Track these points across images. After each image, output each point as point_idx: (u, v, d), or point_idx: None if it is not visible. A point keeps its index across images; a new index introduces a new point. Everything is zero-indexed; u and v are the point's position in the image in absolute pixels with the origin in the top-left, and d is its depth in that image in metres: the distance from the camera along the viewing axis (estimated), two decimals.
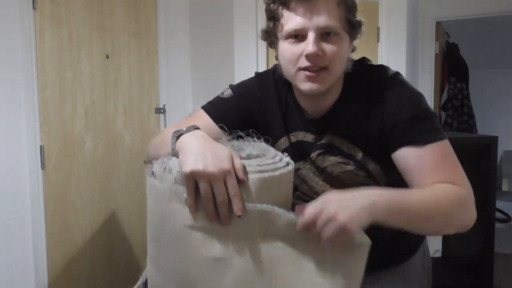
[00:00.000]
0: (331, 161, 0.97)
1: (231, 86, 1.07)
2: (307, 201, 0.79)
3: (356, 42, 0.94)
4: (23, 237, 1.97)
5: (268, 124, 1.02)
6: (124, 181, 2.44)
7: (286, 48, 0.88)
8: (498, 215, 4.00)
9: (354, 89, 0.95)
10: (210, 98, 1.08)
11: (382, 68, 0.96)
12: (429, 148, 0.86)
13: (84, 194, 2.21)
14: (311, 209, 0.72)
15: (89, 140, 2.23)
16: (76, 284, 2.20)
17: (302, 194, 1.03)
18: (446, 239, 2.86)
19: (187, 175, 0.71)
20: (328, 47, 0.85)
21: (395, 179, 0.93)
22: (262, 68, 2.56)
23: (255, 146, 0.83)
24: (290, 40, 0.87)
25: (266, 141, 0.87)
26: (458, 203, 0.85)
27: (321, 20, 0.83)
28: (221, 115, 1.00)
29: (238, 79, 1.11)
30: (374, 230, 1.00)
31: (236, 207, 0.71)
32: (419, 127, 0.88)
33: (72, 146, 2.15)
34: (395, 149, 0.89)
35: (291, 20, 0.86)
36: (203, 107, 1.04)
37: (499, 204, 3.87)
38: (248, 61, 2.58)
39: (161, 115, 2.65)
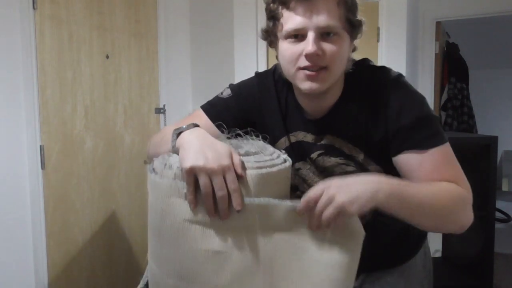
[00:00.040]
0: (331, 162, 0.97)
1: (231, 86, 1.07)
2: None
3: (356, 42, 0.93)
4: (23, 237, 1.97)
5: (268, 124, 1.02)
6: (124, 181, 2.44)
7: (286, 47, 0.88)
8: (498, 215, 4.00)
9: (355, 89, 0.94)
10: (210, 98, 1.08)
11: (385, 70, 0.95)
12: (431, 152, 0.87)
13: (84, 194, 2.21)
14: (311, 191, 0.74)
15: (89, 140, 2.23)
16: (76, 284, 2.20)
17: (302, 194, 1.03)
18: (446, 239, 2.86)
19: (188, 171, 0.72)
20: (328, 46, 0.85)
21: (394, 177, 0.94)
22: (262, 68, 2.56)
23: (253, 144, 0.85)
24: (290, 39, 0.87)
25: (264, 139, 0.88)
26: (458, 201, 0.86)
27: (321, 19, 0.83)
28: (219, 115, 1.01)
29: (238, 79, 1.11)
30: (375, 231, 1.01)
31: (236, 202, 0.72)
32: (422, 132, 0.88)
33: (72, 146, 2.15)
34: (397, 152, 0.89)
35: (290, 20, 0.86)
36: (202, 107, 1.05)
37: (499, 204, 3.86)
38: (248, 61, 2.58)
39: (161, 115, 2.65)
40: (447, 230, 0.92)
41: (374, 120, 0.91)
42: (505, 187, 5.29)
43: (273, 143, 1.00)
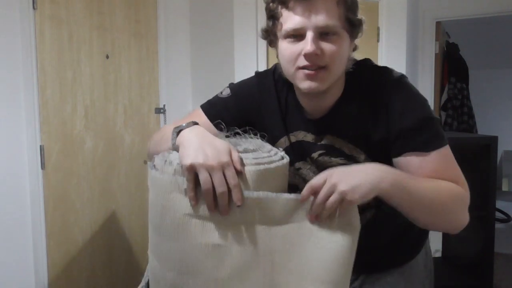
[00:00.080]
0: (332, 162, 0.97)
1: (230, 86, 1.07)
2: None
3: (357, 41, 0.93)
4: (23, 237, 1.97)
5: (267, 124, 1.02)
6: (124, 181, 2.44)
7: (285, 47, 0.88)
8: (498, 215, 4.00)
9: (355, 89, 0.94)
10: (210, 98, 1.08)
11: (387, 70, 0.95)
12: (432, 155, 0.88)
13: (84, 194, 2.21)
14: (314, 179, 0.75)
15: (89, 140, 2.23)
16: (76, 284, 2.20)
17: None
18: (446, 239, 2.86)
19: (188, 168, 0.74)
20: (327, 46, 0.85)
21: None
22: (262, 68, 2.56)
23: (251, 142, 0.87)
24: (289, 39, 0.87)
25: (262, 137, 0.90)
26: (458, 201, 0.87)
27: (320, 19, 0.83)
28: (218, 115, 1.02)
29: (238, 79, 1.11)
30: (376, 230, 1.00)
31: (236, 197, 0.74)
32: (424, 134, 0.88)
33: (72, 146, 2.15)
34: (398, 154, 0.90)
35: (289, 19, 0.85)
36: (202, 106, 1.06)
37: (499, 204, 3.87)
38: (248, 61, 2.58)
39: (161, 115, 2.65)
40: (443, 228, 0.92)
41: (375, 120, 0.91)
42: (505, 187, 5.29)
43: (273, 142, 1.00)
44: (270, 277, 0.78)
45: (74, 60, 2.14)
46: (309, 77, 0.87)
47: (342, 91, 0.95)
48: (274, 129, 1.01)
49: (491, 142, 2.34)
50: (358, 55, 0.98)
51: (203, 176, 0.73)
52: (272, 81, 1.02)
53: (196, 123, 0.86)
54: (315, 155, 0.98)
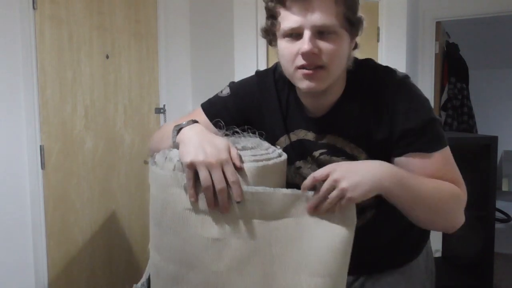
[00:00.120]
0: (333, 162, 0.97)
1: (230, 85, 1.08)
2: None
3: (358, 39, 0.92)
4: (23, 237, 1.97)
5: (267, 123, 1.02)
6: (124, 181, 2.44)
7: (284, 46, 0.88)
8: (498, 215, 4.00)
9: (357, 88, 0.94)
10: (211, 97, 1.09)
11: (391, 70, 0.95)
12: (434, 156, 0.88)
13: (84, 194, 2.21)
14: (318, 171, 0.76)
15: (89, 140, 2.23)
16: (76, 284, 2.20)
17: None
18: (446, 239, 2.86)
19: (188, 165, 0.76)
20: (324, 45, 0.84)
21: None
22: (262, 68, 2.56)
23: (250, 140, 0.89)
24: (287, 38, 0.87)
25: (260, 135, 0.91)
26: (456, 201, 0.88)
27: (317, 18, 0.82)
28: (217, 114, 1.02)
29: (238, 79, 1.11)
30: (376, 229, 1.00)
31: (236, 193, 0.75)
32: (427, 135, 0.89)
33: (72, 146, 2.15)
34: (400, 154, 0.90)
35: (287, 19, 0.85)
36: (202, 105, 1.07)
37: (499, 204, 3.87)
38: (248, 61, 2.58)
39: (161, 115, 2.65)
40: (441, 227, 0.93)
41: (377, 120, 0.91)
42: (505, 187, 5.29)
43: (273, 141, 1.00)
44: (268, 270, 0.79)
45: (74, 60, 2.14)
46: (307, 77, 0.86)
47: (344, 89, 0.95)
48: (274, 128, 1.01)
49: (491, 142, 2.34)
50: (358, 56, 0.97)
51: (202, 173, 0.75)
52: (273, 80, 1.02)
53: (196, 122, 0.87)
54: (316, 153, 0.98)
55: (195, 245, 0.79)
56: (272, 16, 0.90)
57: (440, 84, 3.96)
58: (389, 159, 0.92)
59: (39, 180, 2.00)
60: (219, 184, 0.75)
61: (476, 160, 2.41)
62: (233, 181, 0.75)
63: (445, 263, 2.77)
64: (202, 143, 0.78)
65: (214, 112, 1.03)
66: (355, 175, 0.76)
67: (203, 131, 0.83)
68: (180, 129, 0.85)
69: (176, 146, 0.84)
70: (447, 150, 0.91)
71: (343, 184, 0.74)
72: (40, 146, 2.00)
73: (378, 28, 2.75)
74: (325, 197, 0.76)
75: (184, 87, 2.82)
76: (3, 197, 1.89)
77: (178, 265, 0.81)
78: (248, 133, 0.93)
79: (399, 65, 2.75)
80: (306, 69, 0.86)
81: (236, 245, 0.78)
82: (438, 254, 2.92)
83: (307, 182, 0.77)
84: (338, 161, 0.96)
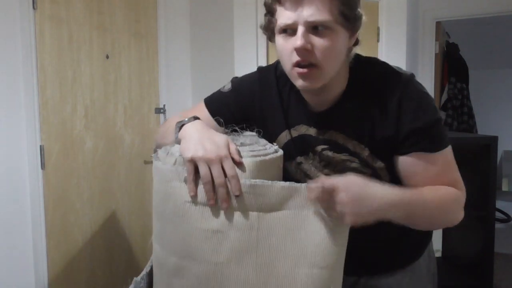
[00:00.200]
0: (335, 158, 0.96)
1: (233, 80, 1.09)
2: None
3: (359, 36, 0.92)
4: (23, 237, 1.97)
5: (268, 119, 1.02)
6: (124, 181, 2.44)
7: (280, 43, 0.88)
8: (498, 215, 4.00)
9: (360, 86, 0.93)
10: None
11: (396, 69, 0.95)
12: (437, 155, 0.90)
13: (84, 194, 2.21)
14: (327, 183, 0.76)
15: (89, 140, 2.23)
16: (76, 284, 2.20)
17: None
18: (446, 239, 2.86)
19: (188, 160, 0.79)
20: (318, 41, 0.84)
21: (398, 175, 0.94)
22: None
23: (247, 137, 0.93)
24: (283, 34, 0.87)
25: (258, 133, 0.95)
26: (456, 205, 0.91)
27: (310, 13, 0.82)
28: (218, 109, 1.05)
29: None
30: (377, 229, 1.00)
31: (234, 187, 0.78)
32: (433, 135, 0.89)
33: (72, 146, 2.15)
34: (405, 153, 0.90)
35: (282, 15, 0.85)
36: (205, 100, 1.09)
37: (499, 204, 3.87)
38: (248, 61, 2.58)
39: (161, 115, 2.65)
40: (439, 228, 0.96)
41: (382, 118, 0.91)
42: (505, 187, 5.29)
43: (274, 137, 1.01)
44: (267, 261, 0.81)
45: (74, 60, 2.14)
46: (301, 76, 0.87)
47: (346, 86, 0.94)
48: (275, 123, 1.02)
49: (491, 142, 2.34)
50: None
51: (202, 169, 0.78)
52: (274, 76, 1.03)
53: (197, 118, 0.91)
54: (318, 148, 0.98)
55: (195, 237, 0.81)
56: (270, 12, 0.90)
57: (440, 84, 3.96)
58: (391, 157, 0.92)
59: (39, 180, 2.00)
60: (218, 178, 0.78)
61: (476, 160, 2.41)
62: (231, 176, 0.78)
63: (445, 263, 2.77)
64: (202, 139, 0.82)
65: (215, 108, 1.05)
66: (360, 205, 0.76)
67: (204, 128, 0.86)
68: (182, 125, 0.88)
69: (178, 142, 0.87)
70: (449, 150, 0.92)
71: (348, 210, 0.75)
72: (40, 146, 2.00)
73: (378, 28, 2.75)
74: (327, 210, 0.78)
75: (184, 87, 2.82)
76: (3, 197, 1.89)
77: (179, 256, 0.84)
78: (247, 130, 0.96)
79: (399, 65, 2.71)
80: (301, 67, 0.86)
81: (235, 237, 0.80)
82: (438, 254, 2.92)
83: (314, 193, 0.77)
84: (340, 158, 0.96)
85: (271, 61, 2.47)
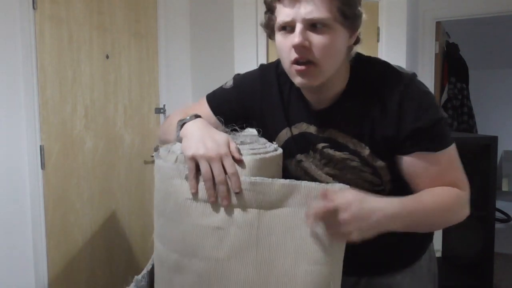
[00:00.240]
0: (336, 156, 0.96)
1: (235, 77, 1.09)
2: None
3: (360, 35, 0.91)
4: (23, 237, 1.97)
5: (268, 117, 1.03)
6: (124, 181, 2.44)
7: (280, 40, 0.88)
8: (498, 215, 4.00)
9: (361, 84, 0.93)
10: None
11: (398, 68, 0.94)
12: (440, 154, 0.89)
13: (84, 194, 2.21)
14: (329, 204, 0.76)
15: (89, 140, 2.23)
16: (76, 284, 2.20)
17: None
18: (446, 239, 2.86)
19: (190, 158, 0.81)
20: (316, 38, 0.84)
21: (398, 173, 0.94)
22: None
23: (247, 136, 0.95)
24: (282, 32, 0.87)
25: (258, 132, 0.97)
26: (457, 206, 0.91)
27: (308, 11, 0.82)
28: (219, 106, 1.06)
29: None
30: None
31: (234, 185, 0.80)
32: (435, 135, 0.89)
33: (72, 146, 2.15)
34: (407, 153, 0.90)
35: (281, 12, 0.86)
36: (207, 96, 1.10)
37: (499, 204, 3.87)
38: (248, 61, 2.58)
39: (161, 115, 2.65)
40: (439, 229, 0.97)
41: (383, 117, 0.90)
42: (505, 187, 5.29)
43: (275, 134, 1.01)
44: (267, 257, 0.82)
45: (74, 60, 2.14)
46: (299, 73, 0.87)
47: (347, 84, 0.94)
48: (275, 121, 1.02)
49: (491, 142, 2.34)
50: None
51: (203, 166, 0.80)
52: (275, 73, 1.03)
53: (199, 116, 0.92)
54: (319, 146, 0.98)
55: (196, 233, 0.82)
56: (270, 10, 0.90)
57: (440, 84, 3.96)
58: (392, 156, 0.92)
59: (39, 180, 2.00)
60: (219, 176, 0.80)
61: (476, 160, 2.41)
62: (231, 173, 0.80)
63: (445, 263, 2.77)
64: (203, 137, 0.83)
65: (216, 104, 1.06)
66: (363, 221, 0.77)
67: (205, 126, 0.88)
68: (184, 123, 0.90)
69: (179, 140, 0.89)
70: (452, 148, 0.91)
71: (350, 228, 0.76)
72: (40, 146, 2.00)
73: (378, 28, 2.74)
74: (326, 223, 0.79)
75: (184, 87, 2.82)
76: (3, 197, 1.89)
77: (180, 253, 0.85)
78: (246, 128, 0.98)
79: (399, 65, 2.74)
80: (299, 64, 0.86)
81: (235, 233, 0.82)
82: (438, 254, 2.92)
83: (315, 214, 0.78)
84: (340, 156, 0.96)
85: (271, 61, 2.47)
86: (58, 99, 2.08)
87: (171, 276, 0.88)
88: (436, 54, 3.50)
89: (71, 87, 2.13)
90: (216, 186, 0.80)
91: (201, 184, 0.82)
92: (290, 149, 0.99)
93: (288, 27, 0.85)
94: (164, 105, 2.64)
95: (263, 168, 0.85)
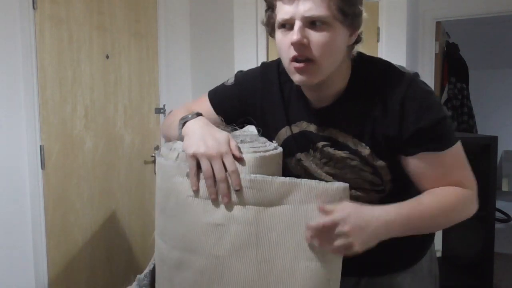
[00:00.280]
0: (336, 155, 0.96)
1: (237, 74, 1.10)
2: None
3: (362, 34, 0.91)
4: (23, 237, 1.97)
5: (268, 115, 1.03)
6: (124, 181, 2.44)
7: (279, 38, 0.89)
8: (498, 215, 4.00)
9: (362, 84, 0.93)
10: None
11: (400, 68, 0.94)
12: (444, 154, 0.89)
13: (84, 194, 2.21)
14: (328, 220, 0.78)
15: (89, 140, 2.23)
16: (76, 284, 2.20)
17: None
18: (446, 239, 2.86)
19: (191, 156, 0.83)
20: (315, 36, 0.84)
21: (399, 173, 0.94)
22: None
23: (247, 135, 0.96)
24: (282, 29, 0.87)
25: (257, 131, 0.99)
26: (460, 206, 0.90)
27: (306, 8, 0.82)
28: (220, 103, 1.07)
29: None
30: None
31: (234, 182, 0.81)
32: (438, 135, 0.89)
33: (72, 146, 2.15)
34: (411, 154, 0.90)
35: (281, 10, 0.86)
36: (209, 92, 1.12)
37: (499, 204, 3.87)
38: (248, 61, 2.57)
39: (161, 115, 2.65)
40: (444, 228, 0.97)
41: (384, 117, 0.90)
42: (505, 187, 5.29)
43: (275, 133, 1.02)
44: (267, 254, 0.83)
45: (74, 60, 2.14)
46: (298, 71, 0.87)
47: (348, 83, 0.94)
48: (275, 119, 1.02)
49: (491, 142, 2.34)
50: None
51: (204, 164, 0.82)
52: (277, 72, 1.03)
53: (200, 114, 0.94)
54: (319, 144, 0.98)
55: (197, 230, 0.84)
56: (270, 8, 0.91)
57: (440, 84, 3.96)
58: (393, 156, 0.92)
59: (39, 180, 2.00)
60: (219, 174, 0.81)
61: (476, 160, 2.40)
62: (232, 171, 0.81)
63: (445, 263, 2.77)
64: (204, 136, 0.85)
65: (217, 101, 1.07)
66: (364, 232, 0.79)
67: (206, 125, 0.90)
68: (185, 122, 0.92)
69: (181, 138, 0.91)
70: (457, 147, 0.91)
71: (351, 240, 0.78)
72: (40, 146, 2.00)
73: (378, 28, 2.74)
74: (328, 243, 0.79)
75: (184, 87, 2.82)
76: (3, 197, 1.89)
77: (181, 250, 0.86)
78: (246, 126, 1.01)
79: (399, 65, 2.74)
80: (298, 62, 0.86)
81: (236, 230, 0.83)
82: (438, 254, 2.92)
83: (314, 230, 0.80)
84: (340, 155, 0.96)
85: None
86: (58, 99, 2.08)
87: (172, 273, 0.88)
88: (436, 54, 3.50)
89: (71, 87, 2.13)
90: (217, 184, 0.82)
91: (202, 182, 0.83)
92: (290, 147, 1.00)
93: (288, 25, 0.85)
94: (164, 105, 2.64)
95: (263, 166, 0.86)
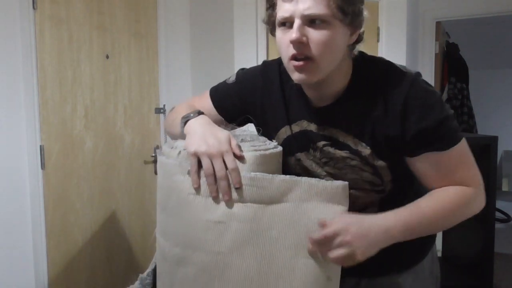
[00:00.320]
0: (336, 155, 0.96)
1: (238, 72, 1.11)
2: None
3: (362, 33, 0.91)
4: (23, 237, 1.97)
5: (269, 114, 1.03)
6: (124, 181, 2.44)
7: (279, 36, 0.89)
8: (498, 215, 4.00)
9: (364, 84, 0.92)
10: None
11: (401, 68, 0.94)
12: (448, 153, 0.89)
13: (84, 194, 2.21)
14: (329, 231, 0.79)
15: (89, 140, 2.23)
16: (76, 284, 2.20)
17: None
18: (446, 239, 2.86)
19: (192, 155, 0.84)
20: (314, 34, 0.84)
21: (399, 173, 0.94)
22: None
23: (248, 135, 0.97)
24: (282, 27, 0.87)
25: (257, 131, 1.00)
26: (463, 205, 0.90)
27: (306, 7, 0.82)
28: (221, 100, 1.08)
29: None
30: None
31: (234, 180, 0.83)
32: (442, 134, 0.88)
33: (72, 146, 2.15)
34: (415, 154, 0.90)
35: (281, 8, 0.86)
36: (210, 89, 1.13)
37: (499, 204, 3.87)
38: (248, 61, 2.57)
39: (161, 115, 2.64)
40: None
41: (386, 117, 0.89)
42: (505, 187, 5.30)
43: (275, 131, 1.02)
44: (268, 251, 0.84)
45: (74, 60, 2.14)
46: (297, 69, 0.87)
47: (349, 83, 0.93)
48: (276, 118, 1.02)
49: (491, 142, 2.34)
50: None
51: (205, 163, 0.83)
52: (278, 71, 1.02)
53: (201, 113, 0.96)
54: (320, 144, 0.98)
55: (198, 227, 0.85)
56: (271, 6, 0.91)
57: (440, 84, 3.96)
58: (394, 156, 0.92)
59: (39, 180, 2.00)
60: (220, 171, 0.82)
61: (476, 160, 2.40)
62: (232, 169, 0.82)
63: (445, 263, 2.77)
64: (205, 134, 0.86)
65: (218, 99, 1.09)
66: (366, 240, 0.79)
67: (207, 124, 0.91)
68: (187, 120, 0.93)
69: (183, 136, 0.92)
70: (462, 144, 0.91)
71: (353, 248, 0.78)
72: (40, 146, 2.00)
73: (378, 28, 2.74)
74: (329, 250, 0.80)
75: (184, 87, 2.82)
76: (3, 197, 1.89)
77: (182, 247, 0.87)
78: (247, 124, 1.02)
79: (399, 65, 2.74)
80: (297, 60, 0.86)
81: (236, 227, 0.83)
82: (438, 254, 2.90)
83: (316, 241, 0.80)
84: (341, 154, 0.95)
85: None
86: (58, 99, 2.08)
87: (173, 270, 0.89)
88: (436, 54, 3.50)
89: (71, 87, 2.13)
90: (217, 182, 0.83)
91: (203, 180, 0.84)
92: (290, 146, 1.00)
93: (288, 23, 0.86)
94: (164, 105, 2.64)
95: (263, 164, 0.86)
